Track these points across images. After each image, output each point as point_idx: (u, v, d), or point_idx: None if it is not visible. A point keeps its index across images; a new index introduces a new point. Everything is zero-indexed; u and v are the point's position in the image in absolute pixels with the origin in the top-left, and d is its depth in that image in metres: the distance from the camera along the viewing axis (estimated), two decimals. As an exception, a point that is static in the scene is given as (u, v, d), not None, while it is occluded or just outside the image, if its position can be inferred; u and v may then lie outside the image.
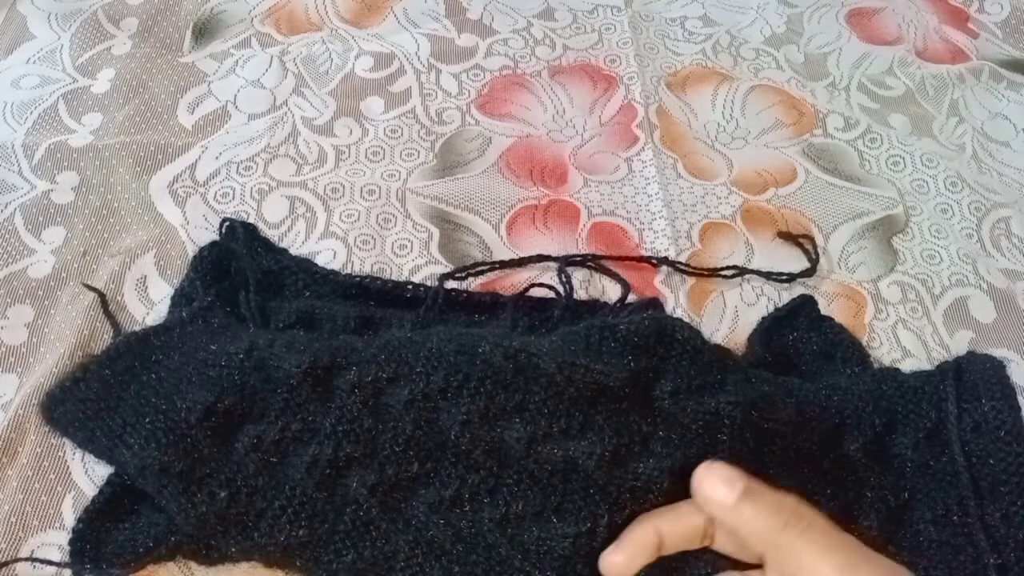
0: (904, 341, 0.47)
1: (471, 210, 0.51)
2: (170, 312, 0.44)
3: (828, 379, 0.42)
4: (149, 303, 0.45)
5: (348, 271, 0.47)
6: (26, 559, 0.36)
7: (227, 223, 0.47)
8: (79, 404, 0.37)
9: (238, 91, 0.57)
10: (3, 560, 0.36)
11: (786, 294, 0.48)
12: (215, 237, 0.46)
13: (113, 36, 0.60)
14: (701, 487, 0.34)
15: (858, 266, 0.50)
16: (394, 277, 0.47)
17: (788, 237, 0.51)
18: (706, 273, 0.48)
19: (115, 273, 0.46)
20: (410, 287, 0.45)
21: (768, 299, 0.48)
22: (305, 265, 0.46)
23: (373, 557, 0.35)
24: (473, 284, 0.47)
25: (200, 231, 0.48)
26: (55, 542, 0.37)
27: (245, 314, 0.42)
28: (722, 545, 0.35)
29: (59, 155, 0.51)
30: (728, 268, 0.48)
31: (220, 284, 0.43)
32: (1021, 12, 0.69)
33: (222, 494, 0.35)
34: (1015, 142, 0.60)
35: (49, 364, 0.42)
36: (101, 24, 0.60)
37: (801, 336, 0.45)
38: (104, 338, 0.43)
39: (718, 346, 0.42)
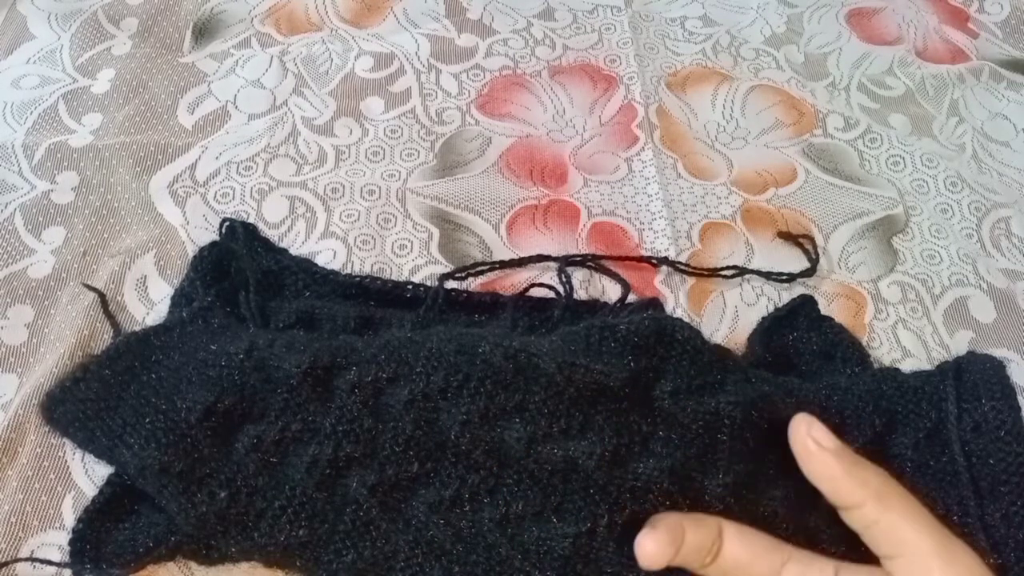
0: (904, 341, 0.47)
1: (471, 210, 0.51)
2: (170, 312, 0.44)
3: (828, 379, 0.42)
4: (149, 303, 0.45)
5: (348, 271, 0.47)
6: (26, 559, 0.36)
7: (227, 223, 0.47)
8: (79, 404, 0.37)
9: (238, 91, 0.57)
10: (3, 560, 0.36)
11: (786, 294, 0.48)
12: (215, 237, 0.46)
13: (113, 36, 0.60)
14: (810, 428, 0.34)
15: (858, 266, 0.50)
16: (394, 277, 0.47)
17: (788, 237, 0.51)
18: (706, 273, 0.48)
19: (115, 273, 0.46)
20: (410, 287, 0.45)
21: (768, 299, 0.48)
22: (305, 265, 0.46)
23: (373, 557, 0.35)
24: (473, 284, 0.47)
25: (200, 231, 0.48)
26: (55, 542, 0.37)
27: (245, 314, 0.42)
28: (723, 562, 0.34)
29: (59, 155, 0.51)
30: (728, 268, 0.48)
31: (220, 284, 0.43)
32: (1021, 12, 0.69)
33: (222, 494, 0.35)
34: (1015, 142, 0.60)
35: (49, 364, 0.42)
36: (101, 24, 0.60)
37: (801, 336, 0.45)
38: (104, 338, 0.43)
39: (718, 346, 0.42)
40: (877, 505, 0.33)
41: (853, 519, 0.33)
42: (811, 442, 0.34)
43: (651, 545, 0.33)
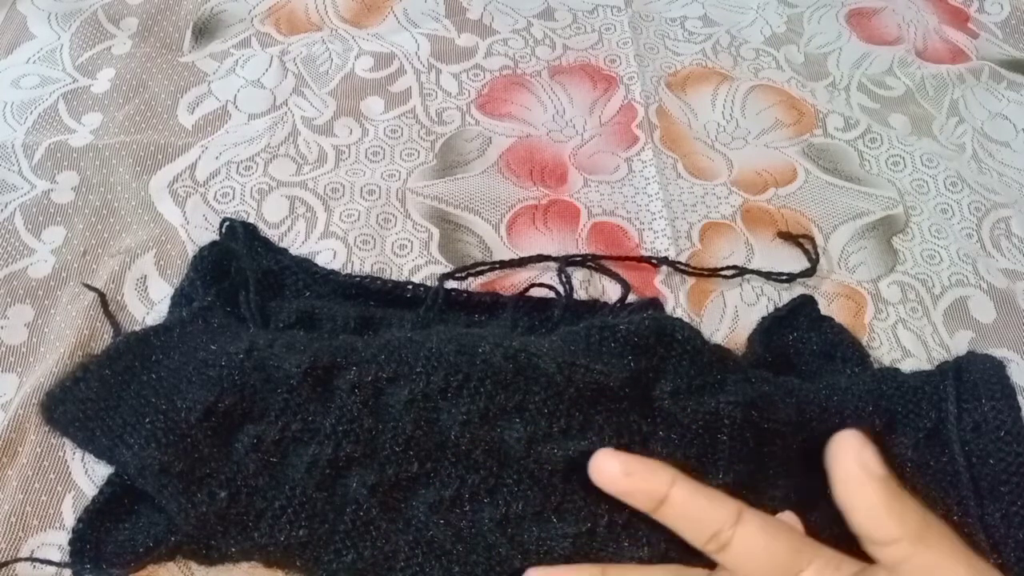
0: (904, 341, 0.47)
1: (471, 210, 0.51)
2: (170, 312, 0.44)
3: (828, 379, 0.42)
4: (149, 303, 0.45)
5: (348, 271, 0.47)
6: (26, 559, 0.36)
7: (227, 223, 0.47)
8: (79, 404, 0.37)
9: (238, 91, 0.57)
10: (3, 560, 0.36)
11: (786, 294, 0.48)
12: (215, 237, 0.46)
13: (113, 36, 0.60)
14: (861, 453, 0.29)
15: (858, 266, 0.50)
16: (394, 277, 0.47)
17: (788, 237, 0.51)
18: (706, 273, 0.48)
19: (115, 273, 0.46)
20: (410, 287, 0.45)
21: (768, 299, 0.48)
22: (305, 265, 0.46)
23: (373, 557, 0.35)
24: (473, 284, 0.47)
25: (200, 231, 0.48)
26: (55, 542, 0.37)
27: (245, 314, 0.42)
28: (734, 554, 0.30)
29: (59, 155, 0.51)
30: (728, 268, 0.48)
31: (220, 284, 0.43)
32: (1021, 12, 0.69)
33: (222, 494, 0.35)
34: (1015, 142, 0.60)
35: (49, 364, 0.42)
36: (101, 24, 0.60)
37: (801, 336, 0.45)
38: (104, 338, 0.43)
39: (718, 346, 0.42)
40: (912, 545, 0.29)
41: (879, 553, 0.30)
42: (858, 466, 0.29)
43: (615, 464, 0.31)
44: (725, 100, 0.60)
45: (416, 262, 0.48)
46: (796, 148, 0.57)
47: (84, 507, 0.36)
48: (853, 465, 0.29)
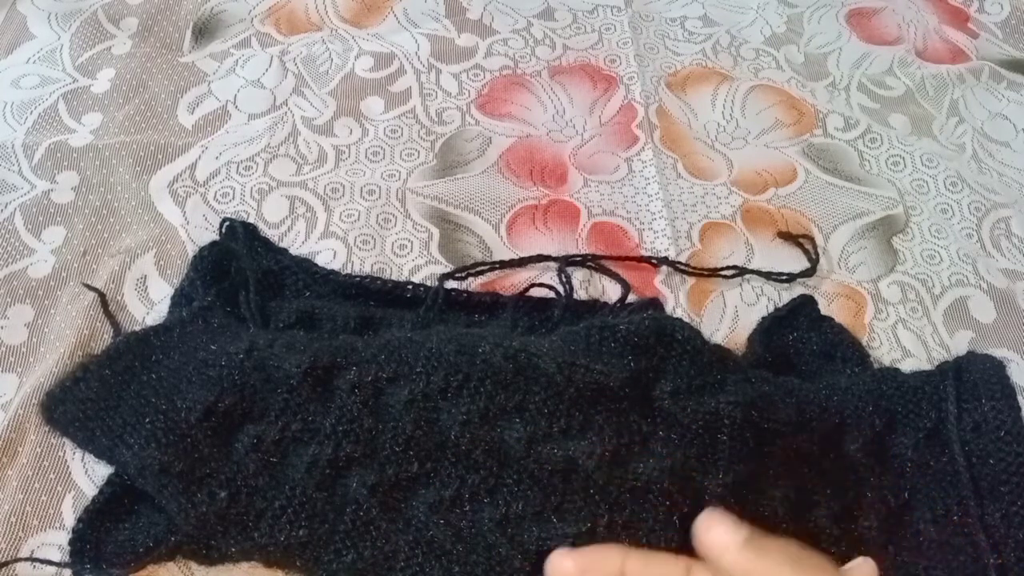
0: (904, 341, 0.47)
1: (471, 210, 0.51)
2: (170, 312, 0.44)
3: (828, 379, 0.42)
4: (149, 303, 0.45)
5: (348, 271, 0.47)
6: (26, 559, 0.36)
7: (227, 223, 0.47)
8: (79, 404, 0.37)
9: (238, 91, 0.57)
10: (3, 560, 0.36)
11: (786, 294, 0.48)
12: (215, 237, 0.46)
13: (113, 36, 0.60)
14: (709, 532, 0.33)
15: (858, 266, 0.50)
16: (394, 277, 0.47)
17: (788, 237, 0.51)
18: (706, 273, 0.48)
19: (115, 273, 0.46)
20: (410, 287, 0.45)
21: (768, 299, 0.48)
22: (305, 265, 0.46)
23: (373, 557, 0.35)
24: (473, 284, 0.47)
25: (200, 231, 0.48)
26: (55, 542, 0.37)
27: (245, 314, 0.42)
28: None
29: (59, 155, 0.51)
30: (728, 268, 0.48)
31: (220, 284, 0.43)
32: (1021, 12, 0.69)
33: (222, 494, 0.35)
34: (1015, 142, 0.60)
35: (49, 364, 0.42)
36: (101, 24, 0.60)
37: (801, 336, 0.45)
38: (104, 338, 0.43)
39: (718, 346, 0.42)
40: None
41: None
42: (716, 544, 0.33)
43: (568, 563, 0.33)
44: (725, 100, 0.60)
45: (416, 262, 0.48)
46: (796, 148, 0.57)
47: (84, 507, 0.36)
48: (712, 545, 0.33)
